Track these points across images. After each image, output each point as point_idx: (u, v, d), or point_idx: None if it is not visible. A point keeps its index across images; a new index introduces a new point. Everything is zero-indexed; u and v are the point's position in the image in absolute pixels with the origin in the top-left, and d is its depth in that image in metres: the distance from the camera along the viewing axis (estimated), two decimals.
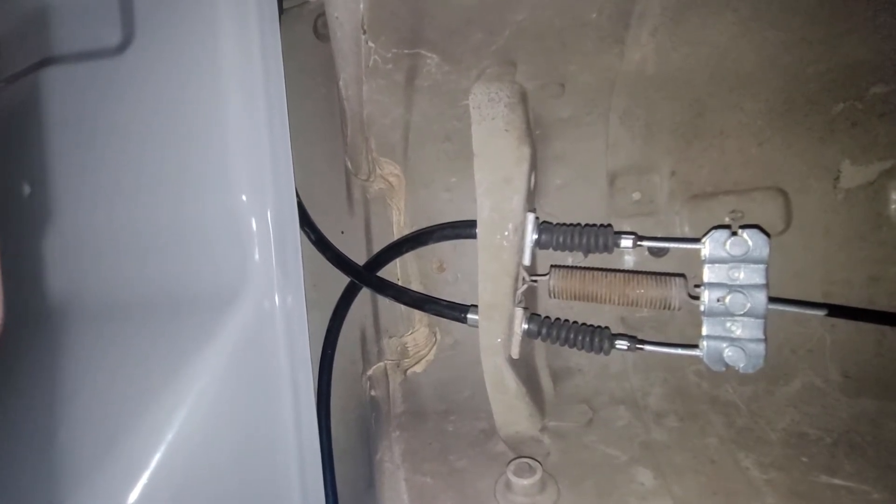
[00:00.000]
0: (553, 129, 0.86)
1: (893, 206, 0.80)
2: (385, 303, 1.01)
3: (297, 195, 0.98)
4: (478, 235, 0.75)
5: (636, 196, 0.90)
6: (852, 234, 0.82)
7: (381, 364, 0.98)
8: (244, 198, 0.79)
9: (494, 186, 0.74)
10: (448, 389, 0.89)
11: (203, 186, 0.79)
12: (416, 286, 1.01)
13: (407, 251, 0.92)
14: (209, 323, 0.74)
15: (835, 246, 0.83)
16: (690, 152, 0.86)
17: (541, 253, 0.82)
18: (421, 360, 0.98)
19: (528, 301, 0.89)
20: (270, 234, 0.80)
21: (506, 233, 0.73)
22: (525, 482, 0.60)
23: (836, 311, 0.68)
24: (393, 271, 1.02)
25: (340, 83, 0.76)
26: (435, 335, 1.00)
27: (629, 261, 0.92)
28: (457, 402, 0.84)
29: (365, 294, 1.03)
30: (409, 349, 0.99)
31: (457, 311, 0.81)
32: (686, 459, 0.65)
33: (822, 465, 0.60)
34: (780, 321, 0.85)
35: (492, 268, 0.75)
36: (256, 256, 0.79)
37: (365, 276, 0.91)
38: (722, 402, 0.77)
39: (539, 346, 0.89)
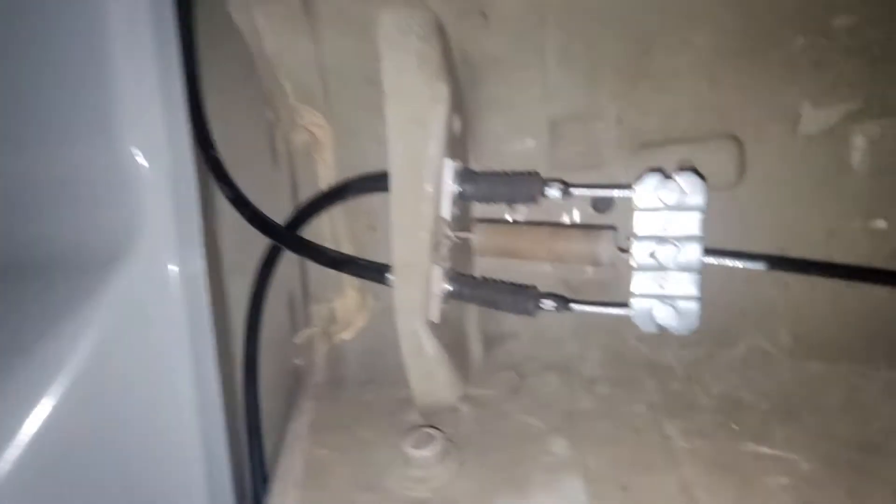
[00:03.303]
0: (484, 71, 0.78)
1: (856, 154, 0.73)
2: (314, 266, 0.94)
3: (213, 147, 0.90)
4: (390, 186, 0.67)
5: (580, 147, 0.82)
6: (811, 185, 0.75)
7: (309, 331, 0.92)
8: (132, 147, 0.71)
9: (407, 130, 0.66)
10: (375, 357, 0.83)
11: (84, 133, 0.70)
12: (346, 248, 0.93)
13: (326, 207, 0.84)
14: (89, 283, 0.67)
15: (792, 199, 0.75)
16: (637, 96, 0.78)
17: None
18: (350, 326, 0.91)
19: (462, 262, 0.82)
20: (164, 189, 0.72)
21: (420, 182, 0.66)
22: (422, 453, 0.54)
23: (777, 263, 0.61)
24: (323, 232, 0.95)
25: (230, 9, 0.66)
26: (366, 300, 0.93)
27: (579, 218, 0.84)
28: (382, 371, 0.78)
29: (293, 257, 0.96)
30: (338, 315, 0.93)
31: (376, 272, 0.74)
32: (608, 428, 0.59)
33: (753, 432, 0.54)
34: (729, 282, 0.78)
35: (405, 222, 0.67)
36: (147, 213, 0.71)
37: (283, 235, 0.83)
38: (660, 367, 0.71)
39: (472, 310, 0.82)
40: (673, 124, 0.78)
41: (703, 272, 0.81)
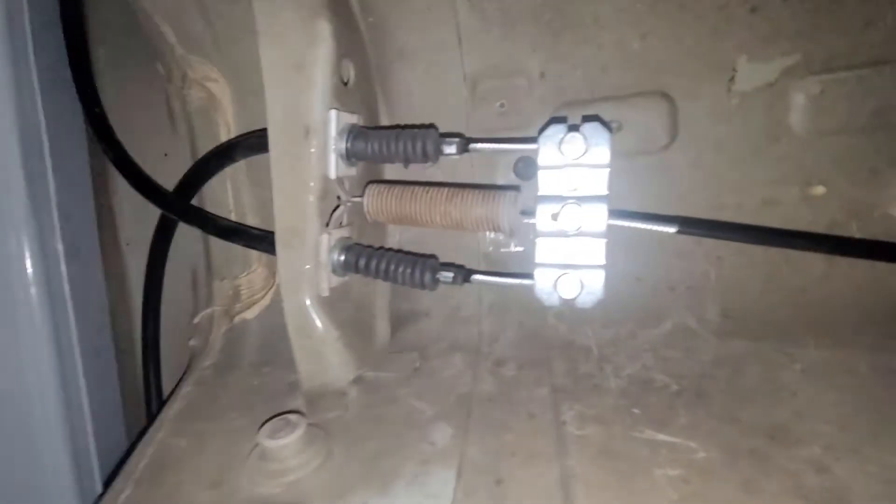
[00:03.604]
0: (391, 16, 0.69)
1: (795, 113, 0.66)
2: (217, 240, 0.85)
3: (98, 103, 0.80)
4: (269, 141, 0.59)
5: (501, 105, 0.74)
6: (747, 148, 0.68)
7: (208, 311, 0.83)
8: None
9: (284, 76, 0.57)
10: (275, 337, 0.75)
11: None
12: (251, 220, 0.84)
13: (215, 170, 0.75)
14: None
15: (726, 163, 0.69)
16: (561, 48, 0.70)
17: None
18: (255, 304, 0.83)
19: (373, 232, 0.74)
20: (15, 135, 0.63)
21: (300, 136, 0.57)
22: (277, 443, 0.46)
23: (688, 225, 0.54)
24: (227, 203, 0.86)
25: None
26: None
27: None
28: (280, 352, 0.70)
29: (196, 231, 0.87)
30: (242, 293, 0.84)
31: (269, 243, 0.65)
32: (502, 413, 0.52)
33: (654, 417, 0.48)
34: (659, 255, 0.72)
35: (286, 182, 0.59)
36: None
37: (169, 201, 0.74)
38: (575, 347, 0.64)
39: (383, 287, 0.75)
40: (600, 80, 0.70)
41: (632, 247, 0.75)
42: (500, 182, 0.76)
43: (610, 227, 0.53)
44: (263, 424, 0.48)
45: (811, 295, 0.64)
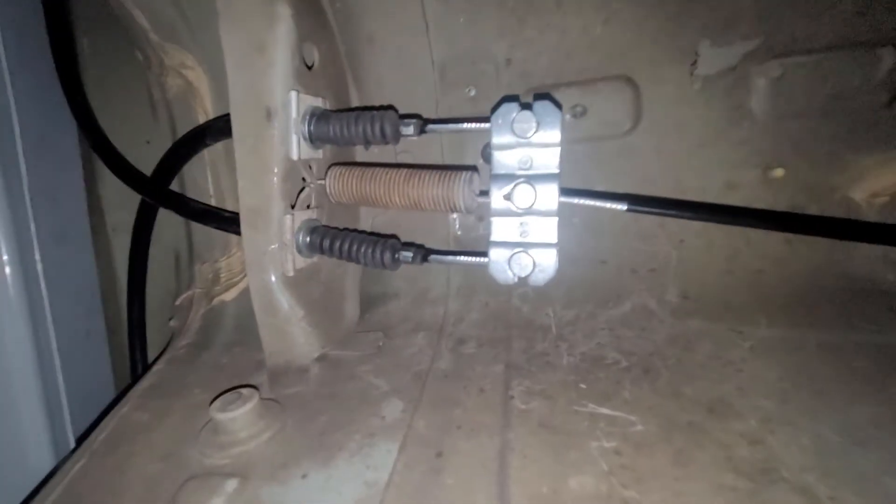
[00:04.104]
0: (358, 2, 0.70)
1: (756, 97, 0.67)
2: (199, 226, 0.87)
3: (81, 91, 0.82)
4: (232, 123, 0.60)
5: (471, 91, 0.75)
6: (709, 132, 0.68)
7: (190, 292, 0.85)
8: None
9: (245, 58, 0.58)
10: (250, 318, 0.76)
11: None
12: (230, 204, 0.86)
13: (190, 155, 0.77)
14: None
15: (688, 147, 0.69)
16: (526, 34, 0.70)
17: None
18: (232, 287, 0.85)
19: (344, 214, 0.75)
20: None
21: (261, 117, 0.58)
22: (227, 416, 0.48)
23: (638, 202, 0.54)
24: (208, 189, 0.87)
25: None
26: None
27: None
28: (253, 332, 0.71)
29: (177, 217, 0.89)
30: (221, 276, 0.86)
31: (238, 224, 0.67)
32: (453, 390, 0.53)
33: (599, 392, 0.49)
34: (623, 238, 0.72)
35: (250, 163, 0.60)
36: None
37: (145, 185, 0.76)
38: (535, 327, 0.65)
39: (355, 269, 0.76)
40: (565, 65, 0.71)
41: (597, 231, 0.76)
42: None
43: (564, 205, 0.54)
44: (215, 398, 0.50)
45: (769, 276, 0.65)
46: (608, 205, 0.53)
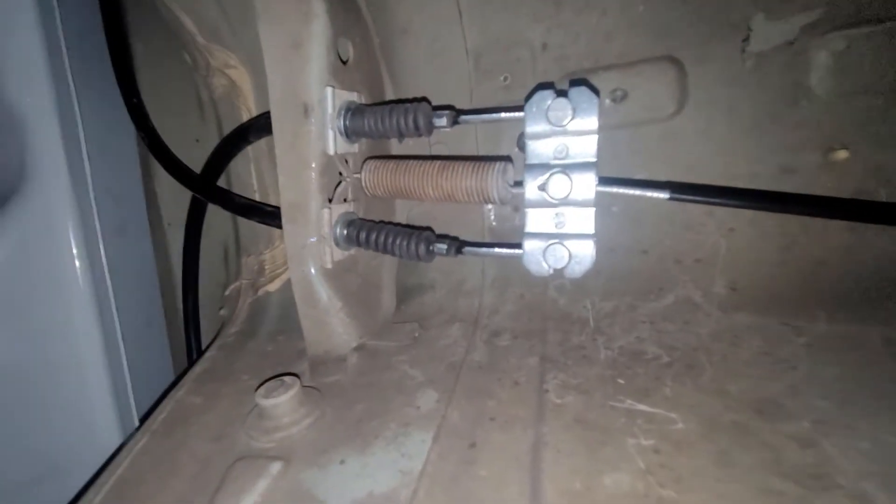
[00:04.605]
0: None
1: (817, 74, 0.61)
2: (245, 220, 0.91)
3: (137, 95, 0.87)
4: (272, 120, 0.62)
5: (505, 79, 0.74)
6: (762, 113, 0.64)
7: (238, 283, 0.90)
8: (14, 94, 0.68)
9: (283, 54, 0.60)
10: (293, 308, 0.79)
11: None
12: (273, 198, 0.89)
13: (235, 152, 0.80)
14: None
15: (739, 130, 0.65)
16: (563, 17, 0.68)
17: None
18: (276, 278, 0.88)
19: (380, 206, 0.76)
20: (57, 131, 0.70)
21: (299, 114, 0.60)
22: (271, 402, 0.50)
23: (682, 190, 0.52)
24: (252, 184, 0.91)
25: None
26: None
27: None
28: (295, 321, 0.74)
29: (225, 211, 0.94)
30: (266, 267, 0.90)
31: (279, 218, 0.69)
32: (488, 381, 0.53)
33: (638, 388, 0.47)
34: (667, 226, 0.69)
35: (289, 159, 0.62)
36: (39, 155, 0.70)
37: (195, 182, 0.80)
38: (572, 319, 0.64)
39: (391, 261, 0.77)
40: (604, 47, 0.68)
41: (639, 220, 0.73)
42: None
43: (602, 195, 0.52)
44: (260, 385, 0.52)
45: (829, 267, 0.60)
46: (649, 193, 0.51)
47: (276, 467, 0.43)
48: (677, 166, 0.68)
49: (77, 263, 0.72)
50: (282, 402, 0.50)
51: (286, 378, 0.53)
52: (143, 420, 0.76)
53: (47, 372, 0.72)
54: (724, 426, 0.41)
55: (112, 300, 0.76)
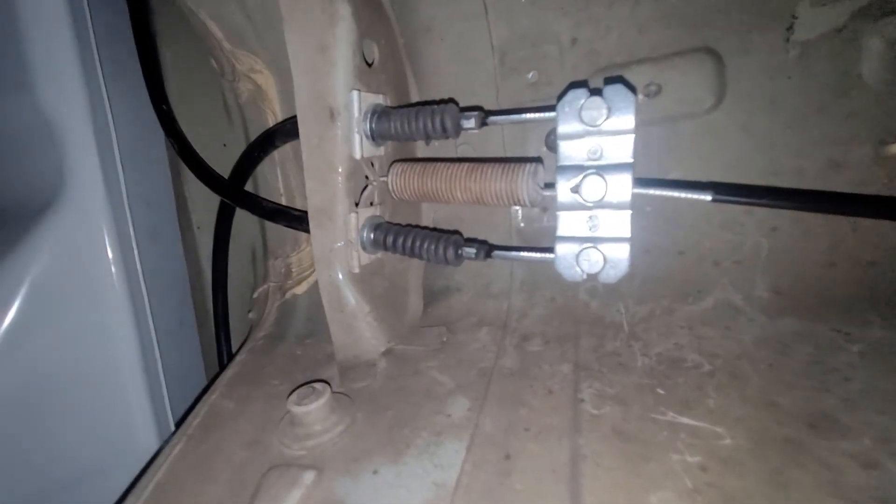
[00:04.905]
0: None
1: (869, 62, 0.57)
2: (272, 224, 0.92)
3: (166, 102, 0.89)
4: (298, 124, 0.62)
5: (532, 76, 0.72)
6: (808, 105, 0.60)
7: (265, 286, 0.91)
8: (50, 104, 0.70)
9: (308, 59, 0.59)
10: (320, 311, 0.80)
11: (2, 92, 0.70)
12: (299, 202, 0.90)
13: (261, 157, 0.80)
14: (20, 230, 0.68)
15: (783, 123, 0.62)
16: (592, 9, 0.66)
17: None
18: (303, 281, 0.89)
19: (406, 210, 0.75)
20: (86, 143, 0.72)
21: (325, 118, 0.60)
22: (303, 409, 0.50)
23: (726, 191, 0.49)
24: (279, 188, 0.92)
25: None
26: None
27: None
28: (323, 324, 0.75)
29: (252, 215, 0.95)
30: (293, 270, 0.90)
31: (306, 222, 0.69)
32: (520, 389, 0.52)
33: (679, 399, 0.45)
34: (704, 226, 0.66)
35: (316, 164, 0.62)
36: (74, 163, 0.71)
37: (224, 187, 0.81)
38: (605, 324, 0.62)
39: (418, 264, 0.77)
40: (637, 41, 0.65)
41: (674, 220, 0.70)
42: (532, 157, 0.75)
43: (637, 196, 0.50)
44: (292, 392, 0.52)
45: (883, 269, 0.57)
46: (690, 195, 0.49)
47: (309, 476, 0.43)
48: (715, 163, 0.65)
49: (113, 269, 0.73)
50: (313, 409, 0.50)
51: (317, 385, 0.53)
52: (178, 423, 0.77)
53: (86, 374, 0.74)
54: (776, 442, 0.39)
55: (147, 303, 0.78)
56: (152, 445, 0.75)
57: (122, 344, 0.74)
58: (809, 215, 0.61)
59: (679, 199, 0.53)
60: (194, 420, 0.58)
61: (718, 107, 0.64)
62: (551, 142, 0.73)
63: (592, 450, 0.41)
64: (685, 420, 0.42)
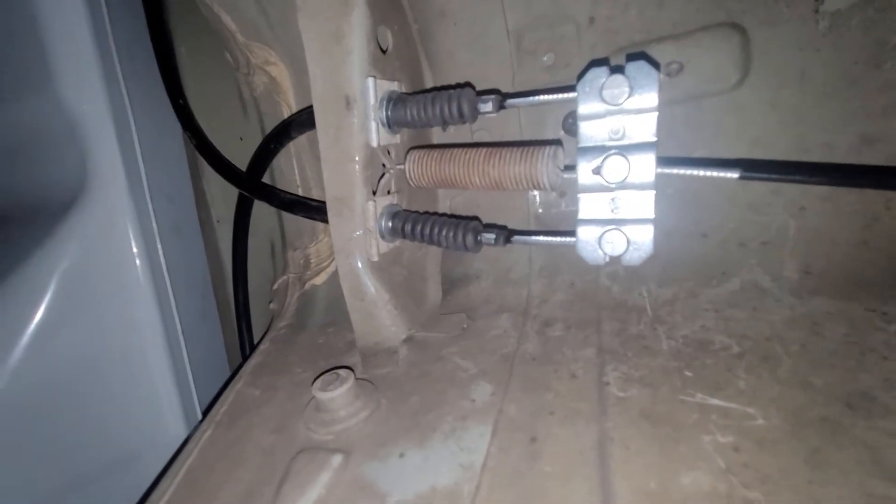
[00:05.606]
0: None
1: None
2: (289, 215, 0.92)
3: (183, 98, 0.89)
4: (315, 114, 0.62)
5: (548, 59, 0.71)
6: (839, 78, 0.58)
7: (285, 277, 0.91)
8: (71, 102, 0.71)
9: (324, 48, 0.59)
10: (339, 300, 0.80)
11: (24, 91, 0.72)
12: (315, 193, 0.90)
13: (278, 149, 0.81)
14: (47, 227, 0.70)
15: (812, 98, 0.59)
16: None
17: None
18: (322, 272, 0.89)
19: (422, 198, 0.75)
20: (113, 136, 0.73)
21: (341, 107, 0.59)
22: (328, 395, 0.51)
23: (754, 168, 0.47)
24: (295, 180, 0.92)
25: None
26: None
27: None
28: (343, 313, 0.75)
29: (270, 207, 0.96)
30: (311, 261, 0.91)
31: (324, 213, 0.70)
32: (543, 373, 0.51)
33: (708, 380, 0.44)
34: (729, 207, 0.65)
35: (333, 153, 0.62)
36: (97, 160, 0.73)
37: (242, 179, 0.82)
38: (628, 307, 0.61)
39: (436, 252, 0.77)
40: (657, 17, 0.63)
41: (697, 201, 0.68)
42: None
43: (660, 176, 0.49)
44: (316, 379, 0.53)
45: None
46: (716, 173, 0.47)
47: (337, 460, 0.44)
48: (741, 141, 0.63)
49: (138, 262, 0.75)
50: (338, 395, 0.51)
51: (340, 371, 0.53)
52: (205, 410, 0.79)
53: (115, 364, 0.76)
54: (812, 422, 0.38)
55: (171, 296, 0.79)
56: (181, 432, 0.77)
57: (149, 335, 0.76)
58: (839, 194, 0.59)
59: (702, 179, 0.51)
60: (221, 407, 0.59)
61: (744, 83, 0.62)
62: (569, 125, 0.73)
63: (620, 433, 0.40)
64: (715, 401, 0.42)
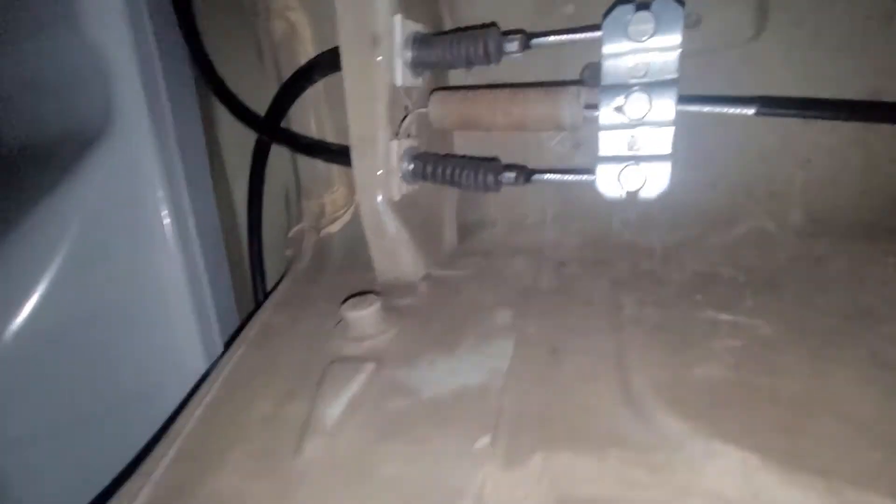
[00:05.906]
0: None
1: None
2: (305, 164, 0.94)
3: (201, 46, 0.90)
4: (341, 53, 0.63)
5: (569, 9, 0.72)
6: (853, 33, 0.60)
7: (299, 226, 0.93)
8: (97, 39, 0.71)
9: None
10: (357, 246, 0.83)
11: (50, 28, 0.72)
12: (332, 140, 0.91)
13: (299, 92, 0.82)
14: (72, 162, 0.71)
15: (828, 51, 0.62)
16: None
17: None
18: (337, 220, 0.91)
19: (439, 141, 0.77)
20: (136, 73, 0.73)
21: (368, 47, 0.61)
22: (357, 314, 0.53)
23: (771, 104, 0.50)
24: (312, 128, 0.93)
25: None
26: (353, 196, 0.92)
27: None
28: (361, 258, 0.78)
29: (287, 157, 0.97)
30: (326, 210, 0.93)
31: (345, 156, 0.71)
32: (560, 301, 0.54)
33: (717, 301, 0.47)
34: (736, 159, 0.67)
35: (358, 92, 0.63)
36: (120, 96, 0.73)
37: (261, 123, 0.83)
38: (639, 249, 0.64)
39: (450, 197, 0.79)
40: None
41: (707, 154, 0.71)
42: None
43: (679, 114, 0.51)
44: (345, 300, 0.56)
45: None
46: (734, 110, 0.50)
47: (369, 366, 0.47)
48: (755, 93, 0.65)
49: (160, 193, 0.76)
50: (367, 314, 0.53)
51: (367, 295, 0.56)
52: (227, 344, 0.81)
53: (136, 307, 0.78)
54: (815, 331, 0.41)
55: (196, 240, 0.81)
56: (201, 366, 0.80)
57: (170, 278, 0.77)
58: (846, 147, 0.62)
59: (716, 123, 0.53)
60: (250, 332, 0.61)
61: (759, 37, 0.63)
62: (587, 76, 0.74)
63: (636, 342, 0.44)
64: (725, 316, 0.45)
